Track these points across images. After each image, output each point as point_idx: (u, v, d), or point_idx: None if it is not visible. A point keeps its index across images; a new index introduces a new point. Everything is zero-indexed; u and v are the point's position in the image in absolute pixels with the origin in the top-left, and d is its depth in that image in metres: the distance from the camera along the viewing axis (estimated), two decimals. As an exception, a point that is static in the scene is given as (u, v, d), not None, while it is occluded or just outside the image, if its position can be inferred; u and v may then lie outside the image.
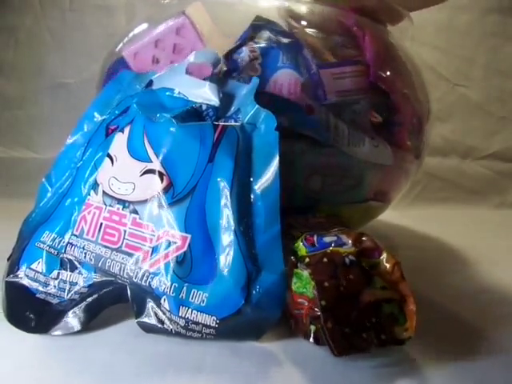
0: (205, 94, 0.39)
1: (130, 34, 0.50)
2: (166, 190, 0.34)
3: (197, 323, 0.32)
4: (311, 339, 0.33)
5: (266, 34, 0.45)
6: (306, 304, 0.33)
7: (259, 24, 0.46)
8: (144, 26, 0.50)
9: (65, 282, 0.35)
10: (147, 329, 0.33)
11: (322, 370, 0.32)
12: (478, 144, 0.89)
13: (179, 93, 0.40)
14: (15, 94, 0.88)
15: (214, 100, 0.38)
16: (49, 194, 0.40)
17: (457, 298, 0.43)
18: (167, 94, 0.40)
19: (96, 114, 0.42)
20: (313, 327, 0.33)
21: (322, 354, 0.32)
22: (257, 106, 0.37)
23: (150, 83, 0.42)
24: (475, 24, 0.87)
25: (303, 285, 0.33)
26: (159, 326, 0.33)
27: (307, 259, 0.33)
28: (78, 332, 0.34)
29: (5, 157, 0.86)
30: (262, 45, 0.44)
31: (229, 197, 0.33)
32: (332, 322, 0.31)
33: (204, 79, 0.40)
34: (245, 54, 0.43)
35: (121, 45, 0.50)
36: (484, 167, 0.90)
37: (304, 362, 0.32)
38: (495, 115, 0.88)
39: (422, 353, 0.33)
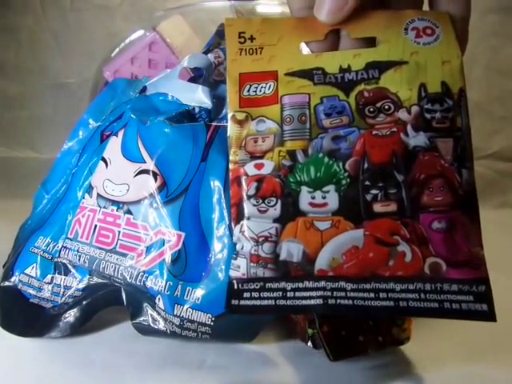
0: (198, 98, 0.39)
1: (127, 40, 0.51)
2: (160, 190, 0.34)
3: (192, 321, 0.32)
4: (309, 343, 0.33)
5: None
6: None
7: (224, 30, 0.47)
8: (140, 32, 0.50)
9: (59, 286, 0.36)
10: (143, 331, 0.34)
11: (320, 370, 0.32)
12: (479, 144, 0.88)
13: (172, 97, 0.40)
14: (16, 94, 0.88)
15: (207, 103, 0.39)
16: (44, 201, 0.41)
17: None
18: (161, 98, 0.40)
19: (91, 121, 0.42)
20: (310, 331, 0.33)
21: (319, 355, 0.32)
22: None
23: (144, 89, 0.43)
24: (475, 24, 0.85)
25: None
26: (154, 326, 0.33)
27: None
28: (78, 333, 0.35)
29: (6, 156, 0.86)
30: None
31: (222, 194, 0.34)
32: (328, 326, 0.31)
33: (197, 83, 0.40)
34: None
35: (117, 50, 0.51)
36: (484, 167, 0.89)
37: (302, 363, 0.33)
38: (495, 115, 0.87)
39: (420, 353, 0.33)
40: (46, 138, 0.86)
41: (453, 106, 0.27)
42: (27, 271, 0.37)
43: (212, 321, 0.32)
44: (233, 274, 0.27)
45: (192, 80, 0.41)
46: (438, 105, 0.27)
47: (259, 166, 0.28)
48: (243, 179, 0.28)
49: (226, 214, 0.33)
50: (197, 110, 0.39)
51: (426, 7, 0.31)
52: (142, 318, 0.34)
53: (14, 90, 0.89)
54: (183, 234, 0.33)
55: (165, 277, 0.33)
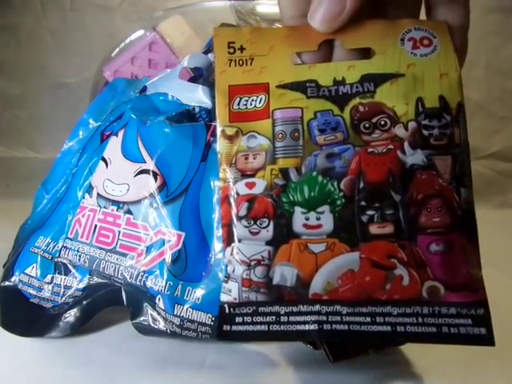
0: (198, 97, 0.39)
1: (127, 40, 0.51)
2: (160, 189, 0.34)
3: (192, 321, 0.32)
4: (309, 344, 0.33)
5: None
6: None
7: None
8: (140, 32, 0.50)
9: (59, 285, 0.36)
10: (143, 330, 0.34)
11: (320, 370, 0.32)
12: (479, 144, 0.88)
13: (172, 97, 0.40)
14: (16, 93, 0.88)
15: (207, 102, 0.39)
16: (45, 201, 0.41)
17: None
18: (161, 98, 0.40)
19: (91, 121, 0.42)
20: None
21: (319, 354, 0.32)
22: None
23: (144, 89, 0.43)
24: (476, 23, 0.85)
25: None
26: (155, 326, 0.33)
27: None
28: (78, 332, 0.35)
29: (6, 156, 0.86)
30: None
31: None
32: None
33: (197, 83, 0.40)
34: None
35: (117, 50, 0.51)
36: (485, 167, 0.89)
37: (301, 363, 0.33)
38: (496, 115, 0.87)
39: (420, 353, 0.33)
40: (45, 137, 0.86)
41: (451, 121, 0.27)
42: (27, 271, 0.37)
43: (212, 321, 0.32)
44: (224, 297, 0.27)
45: (192, 80, 0.41)
46: (436, 121, 0.27)
47: (250, 185, 0.27)
48: (234, 199, 0.27)
49: None
50: (197, 109, 0.39)
51: (422, 16, 0.30)
52: (142, 318, 0.33)
53: (13, 90, 0.88)
54: (183, 234, 0.33)
55: (165, 277, 0.33)
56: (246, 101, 0.28)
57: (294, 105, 0.28)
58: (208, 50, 0.46)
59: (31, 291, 0.36)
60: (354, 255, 0.26)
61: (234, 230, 0.27)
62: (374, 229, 0.26)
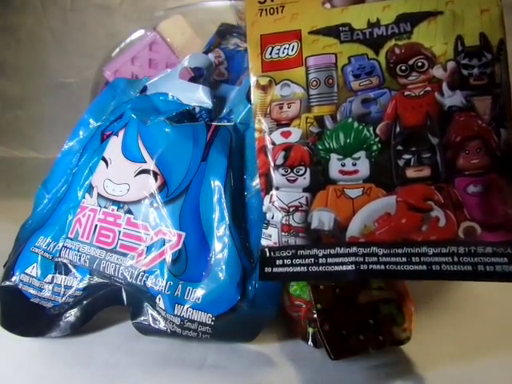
0: (198, 97, 0.39)
1: (127, 40, 0.51)
2: (160, 189, 0.34)
3: (192, 321, 0.32)
4: (309, 342, 0.33)
5: (233, 39, 0.46)
6: (304, 306, 0.33)
7: (224, 30, 0.48)
8: (140, 32, 0.51)
9: (59, 285, 0.36)
10: (143, 330, 0.34)
11: (320, 370, 0.32)
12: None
13: (173, 97, 0.40)
14: (16, 93, 0.88)
15: (207, 102, 0.39)
16: (45, 201, 0.41)
17: (456, 298, 0.43)
18: (161, 98, 0.41)
19: (91, 121, 0.42)
20: (311, 330, 0.33)
21: (320, 354, 0.32)
22: (249, 104, 0.37)
23: (145, 89, 0.43)
24: None
25: (300, 287, 0.33)
26: (155, 326, 0.33)
27: None
28: (79, 332, 0.35)
29: (6, 156, 0.86)
30: (227, 49, 0.45)
31: (223, 194, 0.34)
32: (328, 325, 0.31)
33: (197, 83, 0.40)
34: None
35: (117, 50, 0.51)
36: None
37: (302, 363, 0.33)
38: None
39: (420, 353, 0.33)
40: (46, 137, 0.86)
41: (492, 60, 0.26)
42: (28, 271, 0.37)
43: (212, 320, 0.32)
44: (264, 242, 0.27)
45: (192, 80, 0.41)
46: (476, 59, 0.26)
47: (286, 134, 0.28)
48: (270, 148, 0.28)
49: (226, 213, 0.33)
50: (197, 109, 0.39)
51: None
52: (142, 318, 0.34)
53: (13, 90, 0.88)
54: (183, 234, 0.33)
55: (165, 276, 0.33)
56: (278, 49, 0.28)
57: (327, 51, 0.28)
58: (209, 49, 0.46)
59: (32, 291, 0.36)
60: (391, 199, 0.26)
61: (272, 178, 0.28)
62: (410, 172, 0.26)
